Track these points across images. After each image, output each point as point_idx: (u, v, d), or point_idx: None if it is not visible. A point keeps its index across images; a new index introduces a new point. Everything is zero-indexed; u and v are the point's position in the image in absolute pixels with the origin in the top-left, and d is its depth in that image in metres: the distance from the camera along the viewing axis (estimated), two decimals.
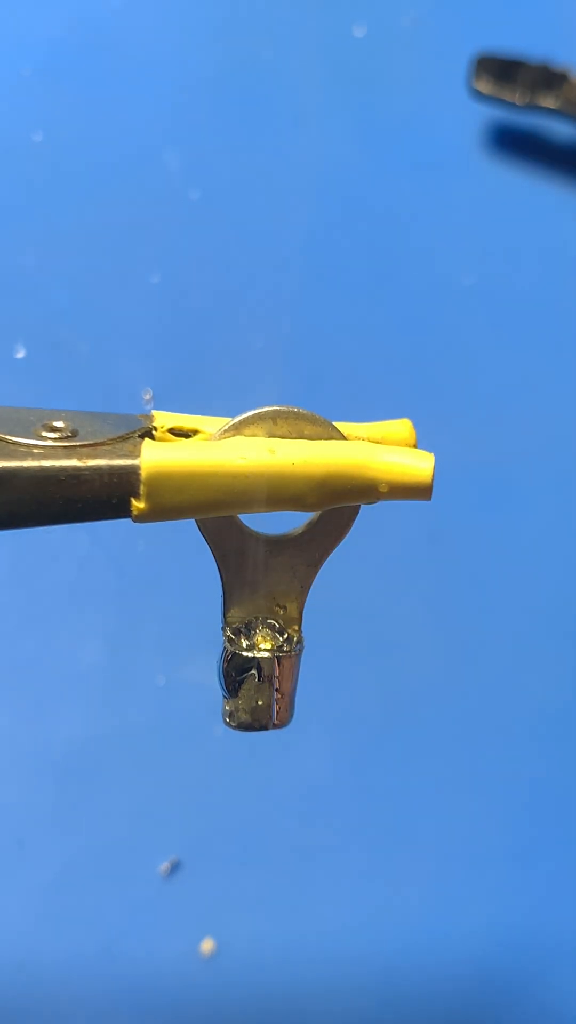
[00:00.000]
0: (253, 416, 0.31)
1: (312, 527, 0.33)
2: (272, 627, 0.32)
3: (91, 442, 0.30)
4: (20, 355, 0.64)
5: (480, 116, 0.71)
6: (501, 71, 0.69)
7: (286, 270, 0.67)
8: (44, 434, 0.30)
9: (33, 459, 0.29)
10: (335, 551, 0.33)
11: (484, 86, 0.69)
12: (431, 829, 0.58)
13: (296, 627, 0.33)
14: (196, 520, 0.32)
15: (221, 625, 0.32)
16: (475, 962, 0.56)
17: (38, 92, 0.70)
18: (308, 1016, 0.55)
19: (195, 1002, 0.55)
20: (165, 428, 0.32)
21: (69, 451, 0.30)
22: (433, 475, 0.31)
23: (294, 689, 0.33)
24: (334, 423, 0.32)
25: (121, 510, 0.30)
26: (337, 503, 0.31)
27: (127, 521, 0.30)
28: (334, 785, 0.58)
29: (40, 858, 0.56)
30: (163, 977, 0.55)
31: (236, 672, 0.32)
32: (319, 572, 0.33)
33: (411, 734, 0.59)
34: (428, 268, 0.68)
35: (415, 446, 0.32)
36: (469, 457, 0.64)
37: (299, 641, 0.33)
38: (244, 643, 0.32)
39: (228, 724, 0.33)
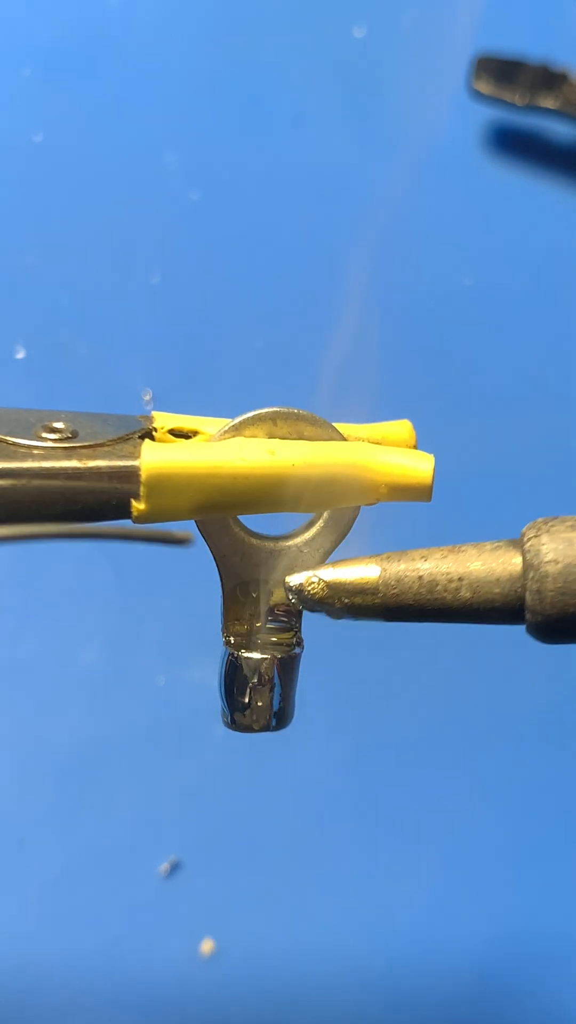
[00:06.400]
0: (253, 417, 0.31)
1: (312, 528, 0.33)
2: (272, 629, 0.32)
3: (91, 443, 0.30)
4: (20, 355, 0.64)
5: (480, 116, 0.71)
6: (501, 71, 0.68)
7: (286, 270, 0.67)
8: (44, 435, 0.30)
9: (33, 460, 0.29)
10: (335, 552, 0.33)
11: (484, 86, 0.69)
12: (431, 829, 0.58)
13: (296, 628, 0.33)
14: (196, 521, 0.32)
15: (221, 627, 0.32)
16: (475, 962, 0.56)
17: (38, 92, 0.70)
18: (308, 1016, 0.55)
19: (195, 1002, 0.55)
20: (165, 429, 0.32)
21: (69, 452, 0.30)
22: (433, 476, 0.31)
23: (294, 691, 0.33)
24: (334, 424, 0.32)
25: (121, 511, 0.30)
26: (337, 504, 0.31)
27: (127, 521, 0.30)
28: (334, 785, 0.58)
29: (40, 858, 0.56)
30: (163, 977, 0.55)
31: (236, 674, 0.32)
32: None
33: (411, 734, 0.59)
34: (428, 268, 0.68)
35: (415, 447, 0.32)
36: (469, 457, 0.64)
37: (299, 642, 0.33)
38: (244, 645, 0.32)
39: (228, 726, 0.33)
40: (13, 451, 0.29)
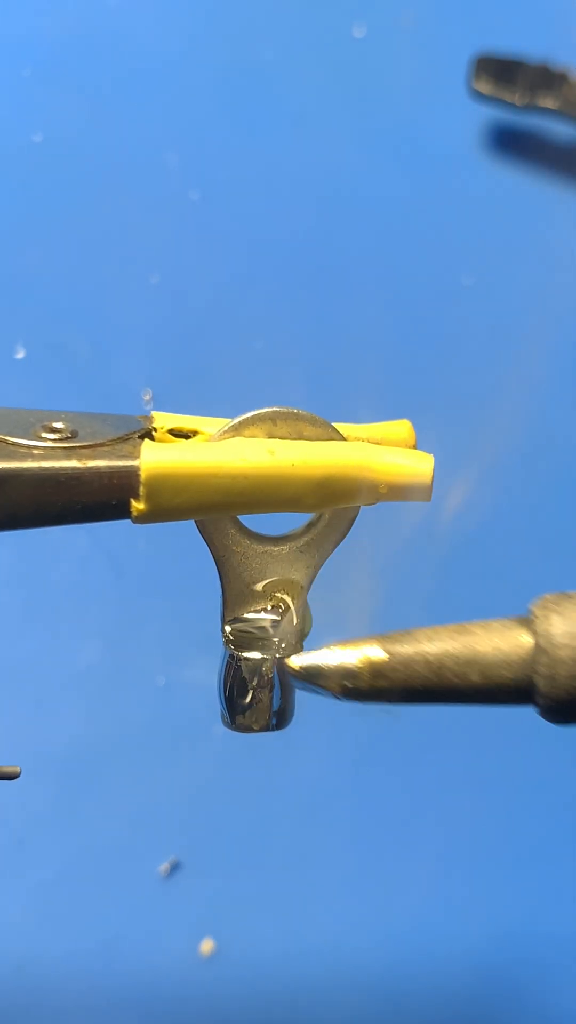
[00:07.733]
0: (253, 417, 0.31)
1: (312, 528, 0.33)
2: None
3: (91, 443, 0.30)
4: (20, 355, 0.64)
5: (480, 116, 0.71)
6: (501, 71, 0.68)
7: (286, 270, 0.67)
8: (44, 435, 0.30)
9: (33, 460, 0.29)
10: (335, 552, 0.33)
11: (484, 86, 0.69)
12: (431, 830, 0.58)
13: None
14: (196, 521, 0.32)
15: (221, 626, 0.32)
16: (475, 962, 0.56)
17: (38, 92, 0.70)
18: (308, 1016, 0.55)
19: (195, 1002, 0.55)
20: (165, 429, 0.32)
21: (69, 452, 0.30)
22: (433, 476, 0.31)
23: (294, 691, 0.33)
24: (333, 424, 0.32)
25: (121, 511, 0.30)
26: (336, 504, 0.31)
27: (127, 521, 0.30)
28: (334, 785, 0.58)
29: (40, 858, 0.56)
30: (163, 977, 0.55)
31: (236, 674, 0.32)
32: (319, 573, 0.33)
33: (411, 734, 0.59)
34: (428, 268, 0.68)
35: (415, 447, 0.32)
36: (468, 458, 0.64)
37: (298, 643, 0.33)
38: (244, 645, 0.32)
39: (227, 726, 0.33)
40: (13, 451, 0.29)
